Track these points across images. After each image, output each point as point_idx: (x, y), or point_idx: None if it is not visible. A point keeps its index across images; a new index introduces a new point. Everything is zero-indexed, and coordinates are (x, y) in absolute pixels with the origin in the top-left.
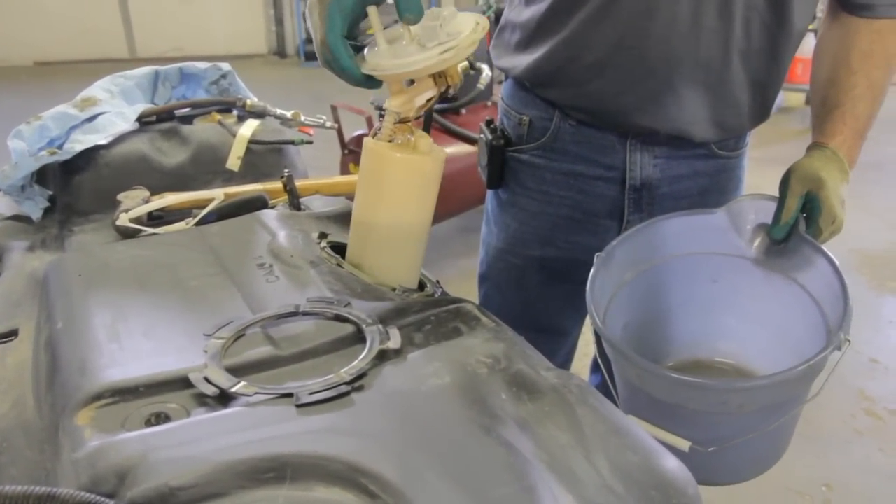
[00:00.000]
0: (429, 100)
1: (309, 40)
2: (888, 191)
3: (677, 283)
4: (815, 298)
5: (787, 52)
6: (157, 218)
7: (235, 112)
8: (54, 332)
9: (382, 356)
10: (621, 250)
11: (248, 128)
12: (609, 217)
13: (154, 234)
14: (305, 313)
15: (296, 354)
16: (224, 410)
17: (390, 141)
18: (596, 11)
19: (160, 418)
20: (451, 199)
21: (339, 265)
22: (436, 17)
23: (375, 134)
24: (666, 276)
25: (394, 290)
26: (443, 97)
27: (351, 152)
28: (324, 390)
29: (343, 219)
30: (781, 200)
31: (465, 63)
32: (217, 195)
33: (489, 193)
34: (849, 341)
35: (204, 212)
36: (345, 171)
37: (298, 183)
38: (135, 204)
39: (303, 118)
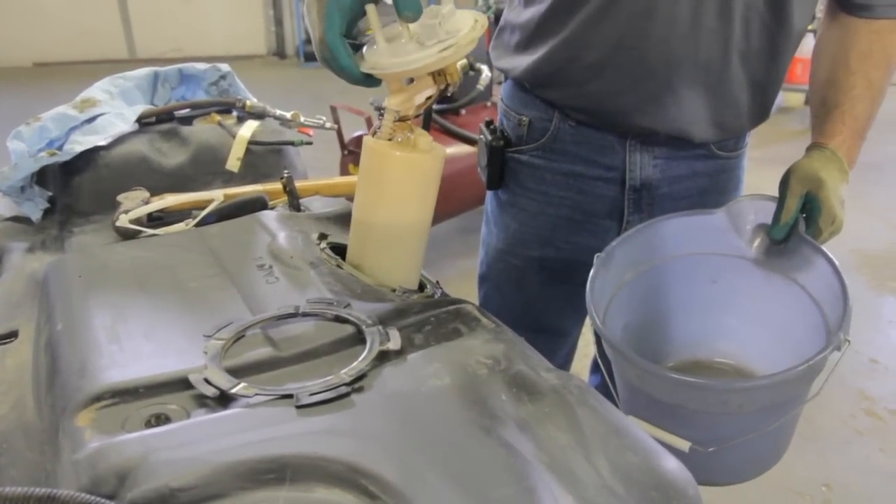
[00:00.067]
0: (428, 98)
1: (308, 41)
2: (888, 191)
3: (677, 284)
4: (815, 299)
5: (786, 52)
6: (157, 219)
7: (235, 113)
8: (54, 333)
9: (382, 357)
10: (621, 251)
11: (248, 129)
12: (609, 218)
13: (154, 235)
14: (305, 314)
15: (296, 355)
16: (224, 412)
17: (390, 139)
18: (595, 12)
19: (160, 419)
20: (451, 200)
21: (338, 266)
22: (434, 15)
23: (375, 132)
24: (666, 276)
25: (394, 290)
26: (442, 95)
27: (350, 153)
28: (324, 391)
29: (343, 220)
30: (781, 201)
31: (465, 61)
32: (217, 196)
33: (489, 194)
34: (848, 341)
35: (204, 213)
36: (344, 171)
37: (298, 184)
38: (134, 205)
39: (302, 119)
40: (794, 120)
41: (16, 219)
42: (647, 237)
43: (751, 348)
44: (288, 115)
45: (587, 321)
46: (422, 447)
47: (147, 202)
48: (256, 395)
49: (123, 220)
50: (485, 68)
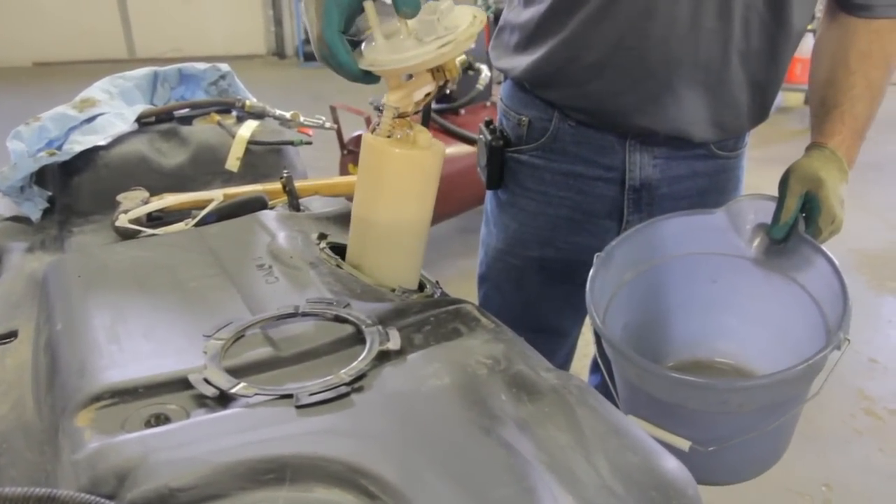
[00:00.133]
0: (427, 94)
1: (307, 41)
2: (887, 190)
3: (677, 284)
4: (815, 298)
5: (786, 52)
6: (157, 219)
7: (234, 113)
8: (54, 333)
9: (382, 357)
10: (621, 250)
11: (248, 129)
12: (608, 218)
13: (153, 235)
14: (305, 314)
15: (295, 355)
16: (224, 411)
17: (389, 136)
18: (595, 12)
19: (160, 419)
20: (451, 200)
21: (338, 266)
22: (433, 12)
23: (374, 129)
24: (665, 276)
25: (393, 290)
26: (441, 91)
27: (350, 153)
28: (323, 391)
29: (342, 220)
30: (781, 200)
31: (463, 57)
32: (216, 196)
33: (488, 194)
34: (848, 341)
35: (203, 213)
36: (344, 171)
37: (298, 184)
38: (134, 205)
39: (302, 119)
40: (793, 120)
41: (15, 219)
42: (646, 237)
43: (750, 348)
44: (287, 114)
45: (587, 321)
46: (421, 447)
47: (146, 202)
48: (256, 395)
49: (123, 220)
50: (484, 68)
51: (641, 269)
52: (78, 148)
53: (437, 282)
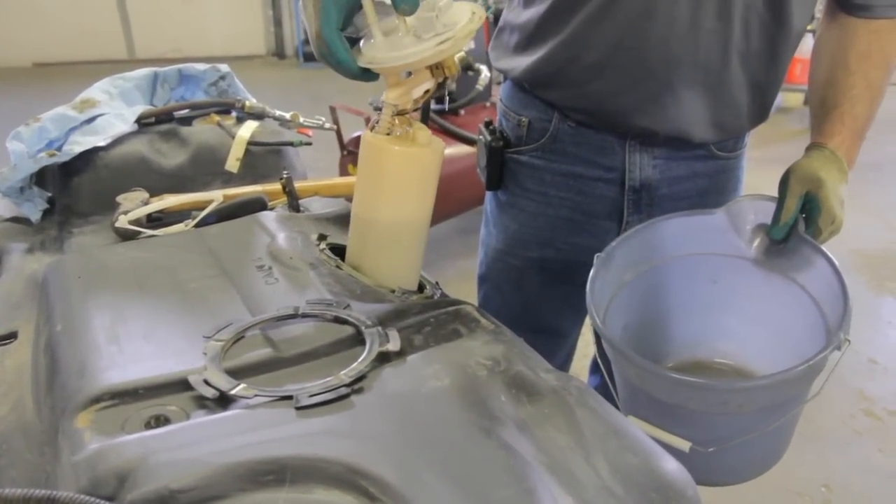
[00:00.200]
0: (426, 91)
1: (307, 41)
2: (887, 191)
3: (677, 284)
4: (815, 298)
5: (785, 52)
6: (157, 220)
7: (234, 113)
8: (53, 334)
9: (382, 358)
10: (621, 251)
11: (247, 129)
12: (608, 218)
13: (153, 235)
14: (305, 315)
15: (295, 356)
16: (223, 413)
17: (388, 133)
18: (595, 12)
19: (160, 421)
20: (450, 200)
21: (338, 267)
22: (431, 8)
23: (373, 127)
24: (666, 276)
25: (393, 291)
26: (440, 88)
27: (350, 153)
28: (323, 392)
29: (342, 220)
30: (781, 201)
31: (463, 53)
32: (216, 197)
33: (488, 195)
34: (849, 341)
35: (203, 213)
36: (344, 172)
37: (297, 184)
38: (134, 206)
39: (301, 119)
40: (793, 120)
41: (15, 219)
42: (646, 237)
43: (751, 348)
44: (287, 115)
45: (586, 322)
46: (421, 448)
47: (146, 203)
48: (256, 396)
49: (123, 221)
50: (484, 68)
51: (641, 269)
52: (78, 149)
53: (437, 282)
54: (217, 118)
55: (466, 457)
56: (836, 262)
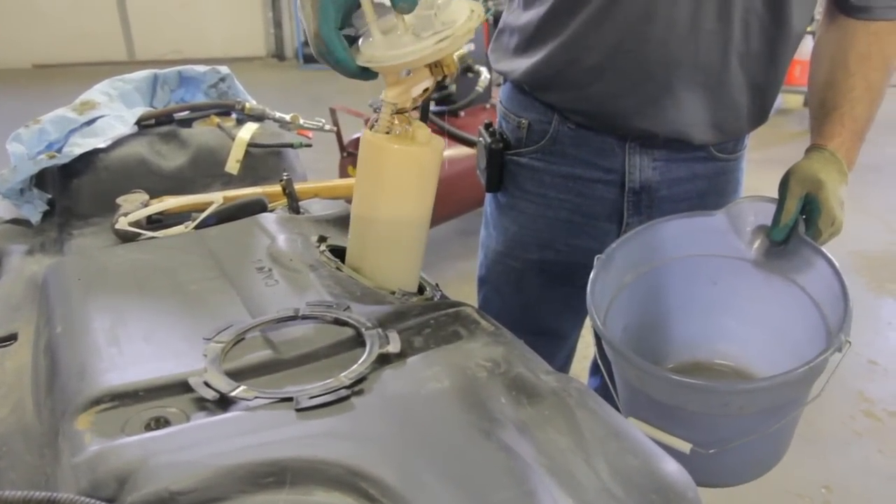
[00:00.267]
0: (425, 90)
1: (307, 42)
2: (887, 192)
3: (677, 286)
4: (815, 300)
5: (785, 54)
6: (157, 221)
7: (234, 115)
8: (53, 336)
9: (382, 360)
10: (621, 253)
11: (247, 131)
12: (608, 220)
13: (153, 237)
14: (305, 317)
15: (295, 358)
16: (224, 415)
17: (387, 132)
18: (595, 14)
19: (160, 423)
20: (450, 202)
21: (338, 269)
22: (430, 6)
23: (373, 126)
24: (666, 278)
25: (393, 293)
26: (439, 87)
27: (350, 155)
28: (323, 394)
29: (342, 222)
30: (781, 202)
31: (462, 51)
32: (216, 199)
33: (488, 197)
34: (849, 343)
35: (203, 215)
36: (344, 174)
37: (297, 186)
38: (134, 207)
39: (301, 121)
40: (793, 122)
41: (15, 221)
42: (646, 239)
43: (751, 350)
44: (287, 117)
45: (586, 323)
46: (421, 450)
47: (146, 204)
48: (256, 398)
49: (123, 223)
50: (484, 70)
51: (641, 271)
52: (78, 150)
53: (437, 284)
54: (217, 120)
55: (466, 459)
56: (837, 264)
